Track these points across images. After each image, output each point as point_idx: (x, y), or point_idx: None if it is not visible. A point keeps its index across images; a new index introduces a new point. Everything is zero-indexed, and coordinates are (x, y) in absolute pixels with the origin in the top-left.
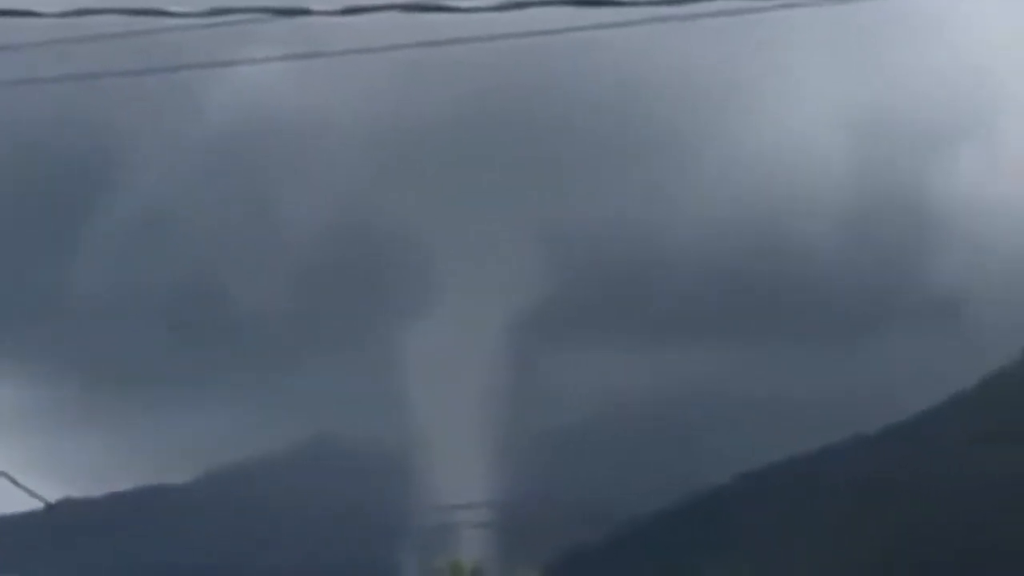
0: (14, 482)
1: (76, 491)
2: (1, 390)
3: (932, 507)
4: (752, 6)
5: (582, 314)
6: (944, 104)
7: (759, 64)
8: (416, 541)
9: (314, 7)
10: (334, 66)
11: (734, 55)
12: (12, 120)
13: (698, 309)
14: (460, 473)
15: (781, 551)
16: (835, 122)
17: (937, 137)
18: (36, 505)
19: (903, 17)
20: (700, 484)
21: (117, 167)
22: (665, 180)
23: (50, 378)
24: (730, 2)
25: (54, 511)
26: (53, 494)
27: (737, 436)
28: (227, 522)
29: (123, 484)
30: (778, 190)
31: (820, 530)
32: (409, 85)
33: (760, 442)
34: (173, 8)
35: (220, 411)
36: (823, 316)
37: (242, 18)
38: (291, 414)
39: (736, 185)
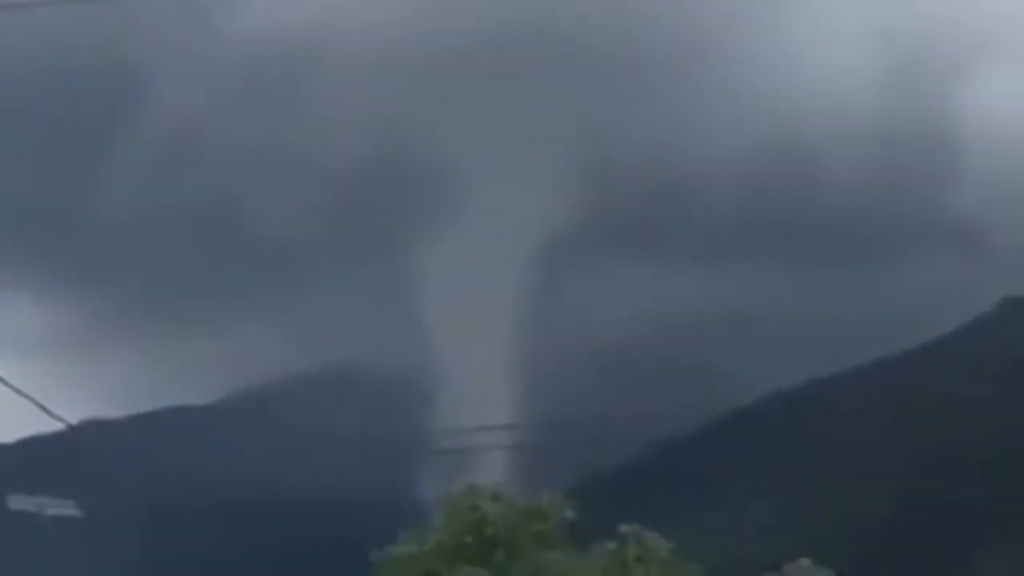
0: (38, 404)
1: (99, 412)
2: (25, 312)
3: (953, 427)
4: None
5: (607, 238)
6: (973, 28)
7: None
8: (437, 464)
9: None
10: None
11: None
12: (37, 43)
13: (723, 233)
14: (483, 395)
15: (804, 472)
16: (862, 46)
17: (965, 61)
18: (59, 426)
19: None
20: (724, 406)
21: (143, 89)
22: (693, 104)
23: (73, 300)
24: None
25: (78, 432)
26: (76, 415)
27: (760, 359)
28: (249, 443)
29: (146, 405)
30: (805, 114)
31: (843, 451)
32: (439, 9)
33: (784, 364)
34: None
35: (243, 332)
36: (848, 239)
37: None
38: (314, 335)
39: (763, 110)
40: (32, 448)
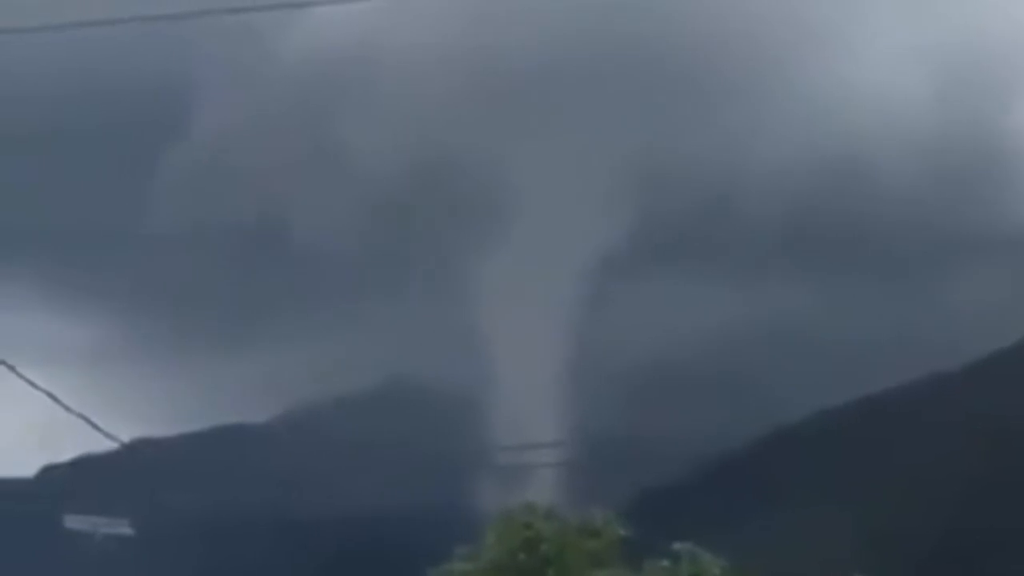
0: (91, 423)
1: (153, 431)
2: (79, 330)
3: (1003, 445)
4: None
5: (659, 252)
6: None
7: (839, 5)
8: (492, 481)
9: None
10: (407, 7)
11: None
12: (88, 61)
13: (775, 248)
14: (533, 412)
15: (854, 488)
16: (912, 59)
17: (1014, 76)
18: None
19: None
20: (774, 423)
21: (193, 107)
22: (745, 119)
23: (127, 318)
24: None
25: (131, 451)
26: (130, 434)
27: (813, 375)
28: (301, 461)
29: (200, 423)
30: (856, 129)
31: (891, 468)
32: (488, 23)
33: (836, 381)
34: None
35: (294, 350)
36: (896, 256)
37: None
38: (367, 353)
39: (814, 124)
40: (85, 467)
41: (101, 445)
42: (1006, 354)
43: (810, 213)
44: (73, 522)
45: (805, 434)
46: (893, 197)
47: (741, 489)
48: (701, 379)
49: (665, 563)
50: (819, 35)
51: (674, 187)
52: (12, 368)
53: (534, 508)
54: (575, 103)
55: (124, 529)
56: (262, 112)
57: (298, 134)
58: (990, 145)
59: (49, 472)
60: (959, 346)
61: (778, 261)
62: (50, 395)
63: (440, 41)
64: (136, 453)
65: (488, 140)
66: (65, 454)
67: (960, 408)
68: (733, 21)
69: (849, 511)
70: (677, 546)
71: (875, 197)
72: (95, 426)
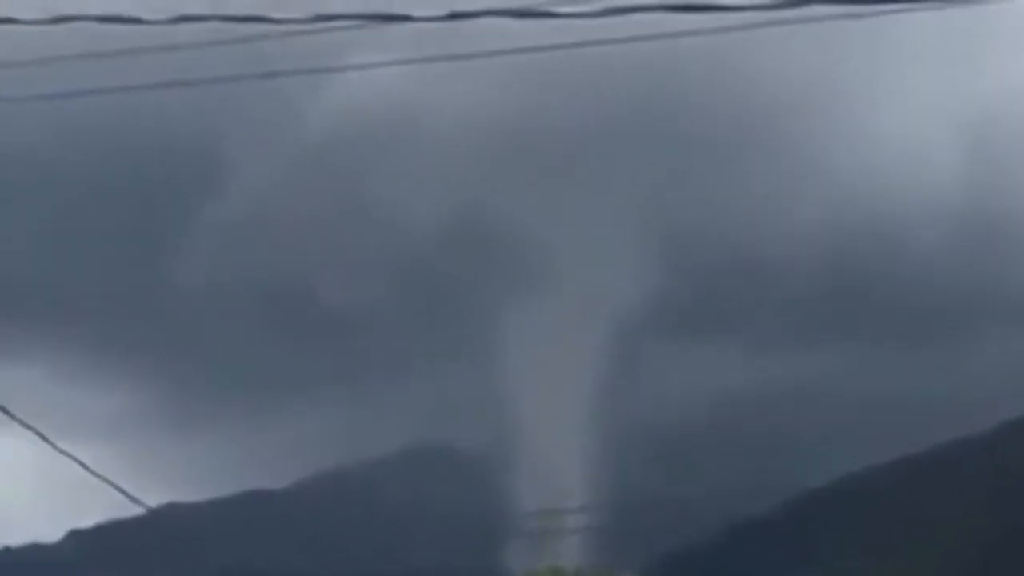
0: (117, 488)
1: (179, 496)
2: (105, 396)
3: None
4: (856, 11)
5: (686, 315)
6: None
7: (867, 68)
8: (518, 545)
9: (416, 13)
10: (436, 72)
11: (842, 59)
12: (116, 125)
13: (803, 310)
14: (561, 476)
15: (886, 552)
16: (942, 125)
17: None
18: (140, 511)
19: (1014, 21)
20: (804, 486)
21: (220, 173)
22: (773, 183)
23: (152, 383)
24: (835, 7)
25: (157, 516)
26: (156, 499)
27: (842, 438)
28: (328, 527)
29: (226, 489)
30: (885, 194)
31: (930, 532)
32: (517, 86)
33: (866, 444)
34: (275, 15)
35: (322, 416)
36: (928, 317)
37: (344, 24)
38: (392, 418)
39: (843, 188)
40: (111, 532)
41: (127, 511)
42: None
43: (837, 275)
44: None
45: (833, 496)
46: (919, 259)
47: (769, 552)
48: (728, 441)
49: None
50: (846, 96)
51: (701, 250)
52: (40, 434)
53: (561, 572)
54: (603, 166)
55: None
56: (291, 178)
57: (326, 200)
58: (1018, 206)
59: (75, 537)
60: (987, 407)
61: (805, 323)
62: (77, 460)
63: (469, 103)
64: (161, 518)
65: (515, 203)
66: (91, 519)
67: (989, 468)
68: (761, 84)
69: (879, 573)
70: None
71: (902, 259)
72: (121, 491)
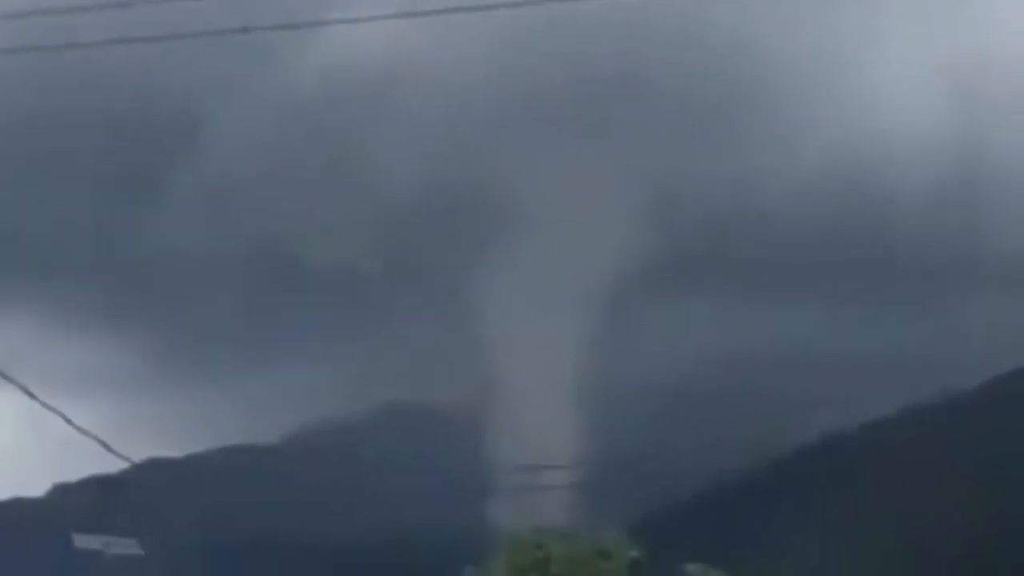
0: (102, 443)
1: (162, 451)
2: (88, 351)
3: (1017, 470)
4: None
5: (673, 272)
6: None
7: (852, 21)
8: (500, 503)
9: None
10: (421, 27)
11: (832, 13)
12: (96, 80)
13: (789, 268)
14: (545, 434)
15: (867, 510)
16: (931, 80)
17: None
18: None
19: None
20: (790, 444)
21: (200, 130)
22: (762, 141)
23: (135, 339)
24: None
25: (140, 471)
26: (140, 454)
27: (829, 396)
28: (312, 482)
29: (208, 444)
30: (870, 150)
31: (909, 489)
32: (506, 42)
33: (852, 402)
34: None
35: (304, 371)
36: (917, 276)
37: None
38: (374, 373)
39: (829, 145)
40: (95, 487)
41: (111, 465)
42: (1011, 377)
43: (826, 234)
44: (83, 541)
45: (818, 455)
46: (909, 218)
47: (753, 510)
48: (714, 399)
49: None
50: (838, 56)
51: (690, 208)
52: (25, 389)
53: (544, 530)
54: (592, 123)
55: (133, 548)
56: (273, 134)
57: (308, 156)
58: (1009, 167)
59: (59, 491)
60: (972, 367)
61: (792, 282)
62: (61, 415)
63: (455, 60)
64: (146, 473)
65: (501, 159)
66: (76, 474)
67: (972, 429)
68: (753, 43)
69: (862, 532)
70: (689, 567)
71: (892, 218)
72: (104, 445)
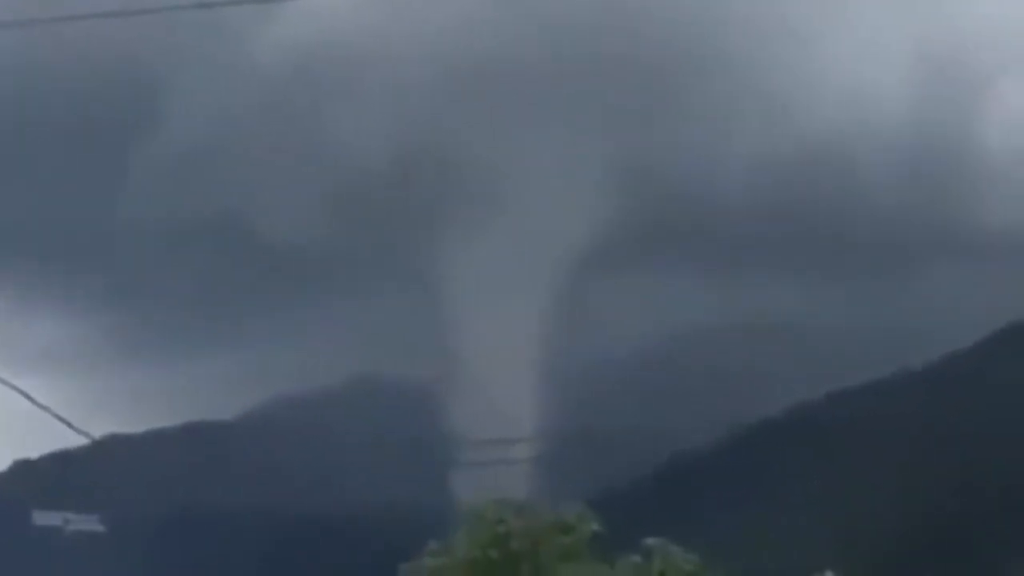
0: (62, 419)
1: (123, 427)
2: (50, 329)
3: (975, 443)
4: None
5: (633, 247)
6: (1005, 40)
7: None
8: (463, 475)
9: None
10: (383, 2)
11: None
12: (64, 56)
13: (746, 245)
14: (508, 407)
15: (826, 485)
16: (890, 57)
17: (991, 74)
18: (82, 441)
19: None
20: (746, 418)
21: (162, 106)
22: (724, 116)
23: (95, 314)
24: None
25: (102, 447)
26: (101, 430)
27: (783, 371)
28: (272, 457)
29: (170, 420)
30: (834, 126)
31: (866, 463)
32: (469, 20)
33: (806, 377)
34: None
35: (266, 346)
36: (871, 251)
37: None
38: (335, 349)
39: (793, 121)
40: (56, 462)
41: (72, 441)
42: (975, 352)
43: (787, 210)
44: (43, 518)
45: (778, 429)
46: (869, 194)
47: (713, 484)
48: (674, 374)
49: (637, 558)
50: (800, 33)
51: (651, 183)
52: None
53: (505, 503)
54: (553, 99)
55: (94, 525)
56: (233, 108)
57: (271, 132)
58: (966, 144)
59: (20, 468)
60: (930, 341)
61: (754, 257)
62: (22, 392)
63: (417, 35)
64: (106, 449)
65: (464, 135)
66: (36, 450)
67: (933, 401)
68: (714, 19)
69: (820, 506)
70: (649, 541)
71: (851, 194)
72: (65, 422)
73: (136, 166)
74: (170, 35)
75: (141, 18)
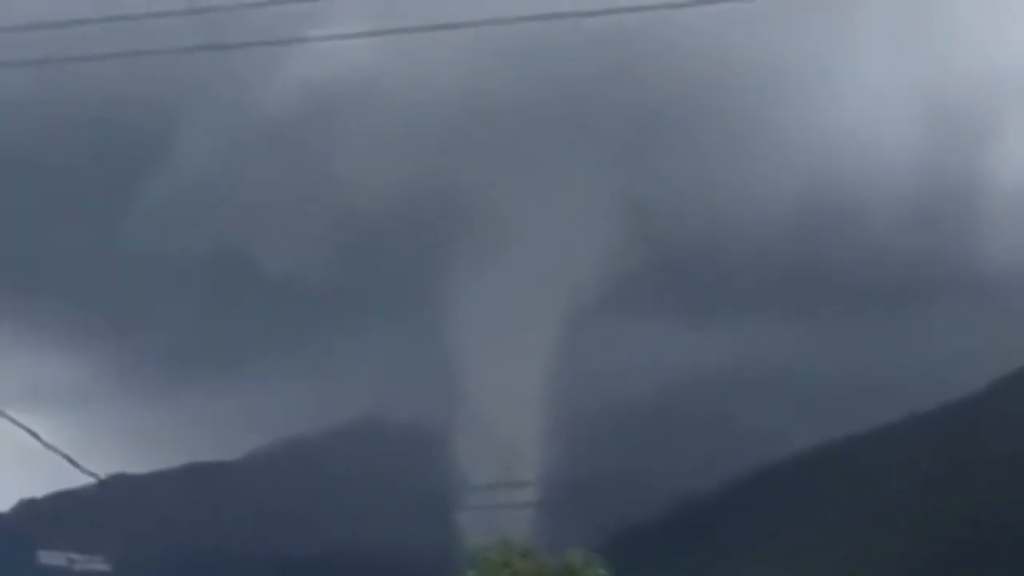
0: (69, 459)
1: (129, 467)
2: (57, 368)
3: (980, 488)
4: None
5: (639, 292)
6: (1004, 82)
7: (819, 43)
8: (467, 518)
9: None
10: (390, 44)
11: (800, 34)
12: (67, 94)
13: (753, 287)
14: (512, 450)
15: (831, 530)
16: (896, 103)
17: (995, 116)
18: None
19: None
20: (751, 464)
21: (170, 145)
22: (730, 160)
23: (102, 354)
24: None
25: (108, 487)
26: (107, 470)
27: (792, 415)
28: (278, 499)
29: (175, 460)
30: (839, 171)
31: (874, 507)
32: (477, 62)
33: (815, 420)
34: None
35: (272, 387)
36: (880, 296)
37: None
38: (342, 390)
39: (798, 165)
40: (62, 502)
41: (78, 480)
42: (980, 398)
43: (792, 255)
44: (48, 557)
45: (784, 473)
46: (872, 237)
47: (719, 529)
48: (680, 419)
49: None
50: (805, 77)
51: (658, 228)
52: None
53: (511, 546)
54: (563, 143)
55: (99, 565)
56: (243, 146)
57: (278, 171)
58: (972, 187)
59: (26, 507)
60: (937, 386)
61: (759, 301)
62: (29, 431)
63: (423, 77)
64: (112, 489)
65: (469, 175)
66: (42, 489)
67: (937, 447)
68: (721, 65)
69: (828, 550)
70: None
71: (856, 239)
72: (71, 461)
73: (141, 202)
74: (177, 73)
75: (149, 57)
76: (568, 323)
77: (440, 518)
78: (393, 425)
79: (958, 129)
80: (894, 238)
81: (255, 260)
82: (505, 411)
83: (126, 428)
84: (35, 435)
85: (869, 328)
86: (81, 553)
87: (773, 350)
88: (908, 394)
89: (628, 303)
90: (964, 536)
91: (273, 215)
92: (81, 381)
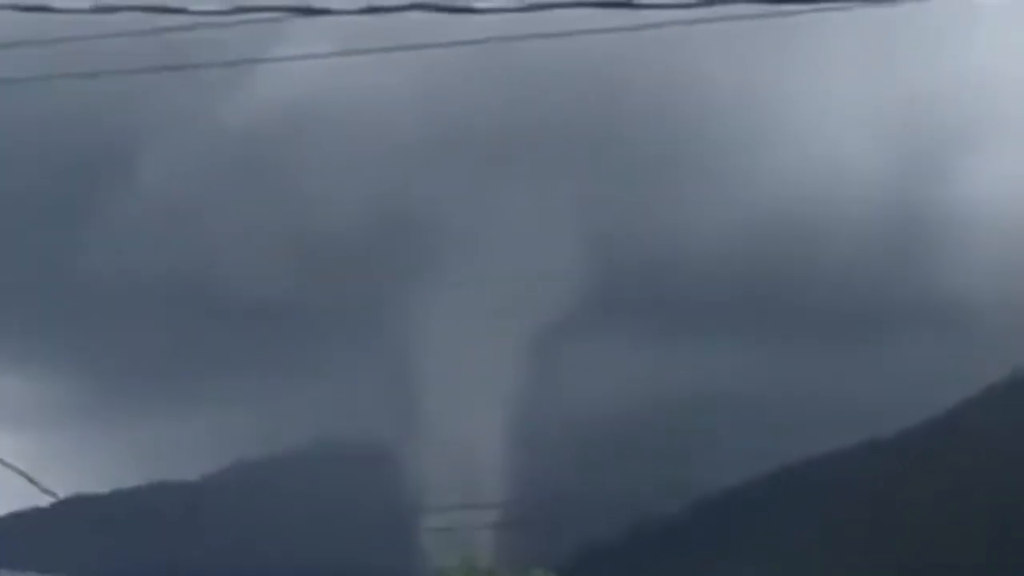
0: (27, 478)
1: (89, 487)
2: (14, 385)
3: (948, 508)
4: (775, 10)
5: (605, 312)
6: (968, 108)
7: (783, 67)
8: (430, 541)
9: (335, 6)
10: (354, 65)
11: (758, 58)
12: (31, 116)
13: (717, 309)
14: (475, 472)
15: (796, 554)
16: (858, 130)
17: (958, 142)
18: (49, 501)
19: (928, 20)
20: (716, 484)
21: (133, 165)
22: (686, 181)
23: (65, 374)
24: (752, 5)
25: (66, 506)
26: (66, 490)
27: (755, 438)
28: (238, 521)
29: (134, 480)
30: (795, 193)
31: (834, 535)
32: (431, 86)
33: (778, 444)
34: (193, 6)
35: (235, 409)
36: (843, 319)
37: (264, 16)
38: (300, 411)
39: (754, 187)
40: (20, 523)
41: (36, 500)
42: (947, 418)
43: (756, 278)
44: None
45: (752, 495)
46: (833, 259)
47: (684, 550)
48: (643, 439)
49: None
50: (767, 103)
51: (622, 249)
52: None
53: (475, 568)
54: (528, 165)
55: None
56: (206, 170)
57: (238, 192)
58: (933, 214)
59: None
60: (897, 411)
61: (722, 322)
62: None
63: (387, 99)
64: (72, 510)
65: (431, 197)
66: (1, 509)
67: (900, 473)
68: (684, 87)
69: (792, 572)
70: None
71: (816, 259)
72: (31, 480)
73: (105, 224)
74: (143, 93)
75: (113, 76)
76: (532, 345)
77: (404, 540)
78: (355, 446)
79: (924, 152)
80: (858, 262)
81: (216, 281)
82: (468, 432)
83: (87, 448)
84: None
85: (834, 351)
86: (40, 574)
87: (740, 372)
88: (870, 419)
89: (592, 324)
90: (924, 563)
91: (234, 241)
92: (42, 401)
